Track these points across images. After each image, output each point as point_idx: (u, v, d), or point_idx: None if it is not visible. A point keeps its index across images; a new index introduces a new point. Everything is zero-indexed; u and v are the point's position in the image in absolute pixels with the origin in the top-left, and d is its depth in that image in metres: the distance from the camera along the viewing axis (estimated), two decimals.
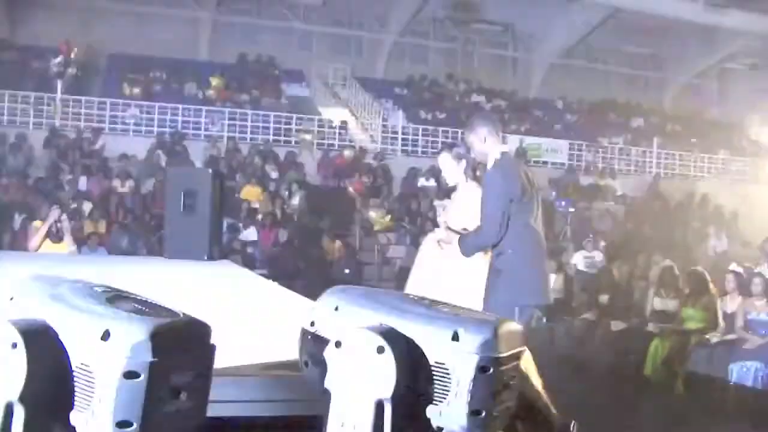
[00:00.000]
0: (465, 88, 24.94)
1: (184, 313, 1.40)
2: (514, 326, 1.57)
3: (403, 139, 21.02)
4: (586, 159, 22.47)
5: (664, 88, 28.50)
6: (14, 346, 1.25)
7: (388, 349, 1.41)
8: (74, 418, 1.26)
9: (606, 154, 23.05)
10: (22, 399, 1.23)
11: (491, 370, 1.44)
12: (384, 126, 21.28)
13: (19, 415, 1.23)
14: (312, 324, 1.64)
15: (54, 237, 9.42)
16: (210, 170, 7.70)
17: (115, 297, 1.38)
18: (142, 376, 1.23)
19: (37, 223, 9.89)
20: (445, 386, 1.45)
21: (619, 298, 10.47)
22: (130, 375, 1.23)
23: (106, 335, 1.25)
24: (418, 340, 1.47)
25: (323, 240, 15.38)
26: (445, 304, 1.64)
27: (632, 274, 11.04)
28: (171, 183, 7.43)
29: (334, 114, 22.58)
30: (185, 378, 1.32)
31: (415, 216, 16.60)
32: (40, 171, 16.84)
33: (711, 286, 9.14)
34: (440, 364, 1.46)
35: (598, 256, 15.48)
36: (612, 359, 9.51)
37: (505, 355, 1.47)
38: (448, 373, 1.45)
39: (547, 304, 5.25)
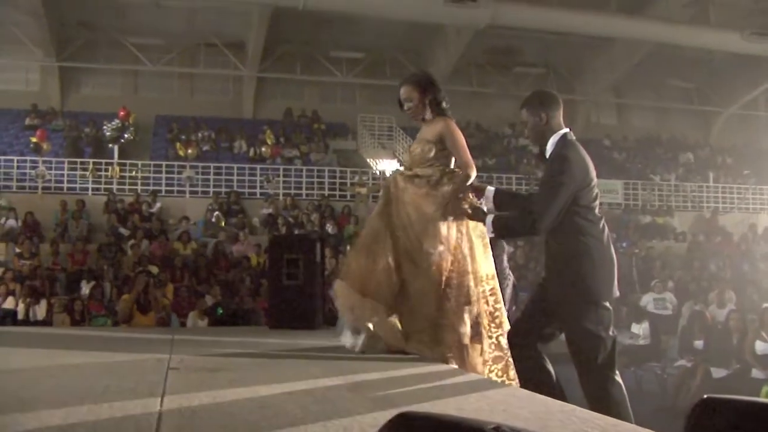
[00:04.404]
0: (512, 132, 24.84)
1: None
2: None
3: None
4: (642, 198, 22.19)
5: (710, 120, 28.19)
6: None
7: None
8: None
9: (661, 191, 22.78)
10: None
11: None
12: None
13: None
14: None
15: (142, 308, 9.38)
16: (314, 235, 7.57)
17: None
18: None
19: (125, 296, 9.85)
20: None
21: (715, 343, 10.13)
22: None
23: None
24: None
25: None
26: None
27: (728, 316, 10.63)
28: (274, 250, 7.31)
29: (383, 165, 22.59)
30: None
31: None
32: (101, 236, 16.95)
33: None
34: None
35: (669, 297, 15.20)
36: None
37: None
38: None
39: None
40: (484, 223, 4.49)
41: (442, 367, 4.35)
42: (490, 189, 4.72)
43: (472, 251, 4.77)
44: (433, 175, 4.86)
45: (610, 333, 4.17)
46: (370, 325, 4.69)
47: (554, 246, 4.27)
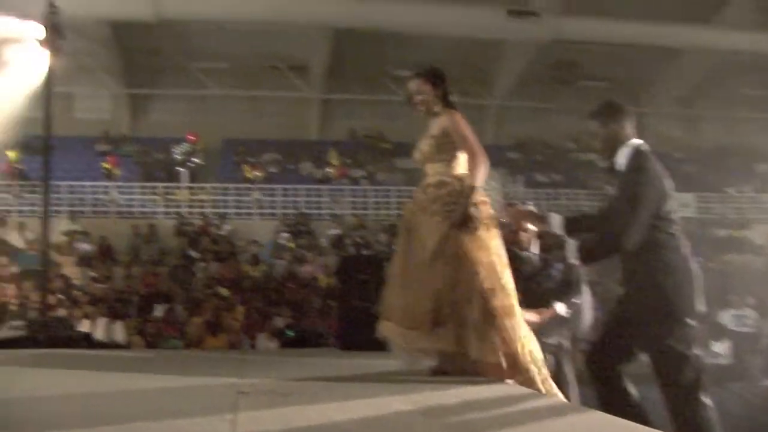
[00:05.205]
0: (576, 147, 24.43)
1: None
2: None
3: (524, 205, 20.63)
4: (717, 211, 21.56)
5: None
6: None
7: None
8: None
9: (737, 203, 22.11)
10: None
11: None
12: (504, 192, 20.95)
13: None
14: None
15: (213, 330, 9.45)
16: (384, 256, 7.51)
17: None
18: None
19: (195, 319, 9.94)
20: None
21: None
22: None
23: None
24: None
25: None
26: None
27: None
28: (344, 271, 7.28)
29: None
30: None
31: None
32: (172, 259, 17.19)
33: None
34: None
35: (750, 313, 14.69)
36: None
37: None
38: None
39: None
40: (563, 249, 4.34)
41: (520, 389, 4.22)
42: (557, 217, 4.54)
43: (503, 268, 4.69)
44: (452, 188, 4.78)
45: (695, 351, 4.00)
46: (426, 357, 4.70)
47: (633, 261, 4.11)
